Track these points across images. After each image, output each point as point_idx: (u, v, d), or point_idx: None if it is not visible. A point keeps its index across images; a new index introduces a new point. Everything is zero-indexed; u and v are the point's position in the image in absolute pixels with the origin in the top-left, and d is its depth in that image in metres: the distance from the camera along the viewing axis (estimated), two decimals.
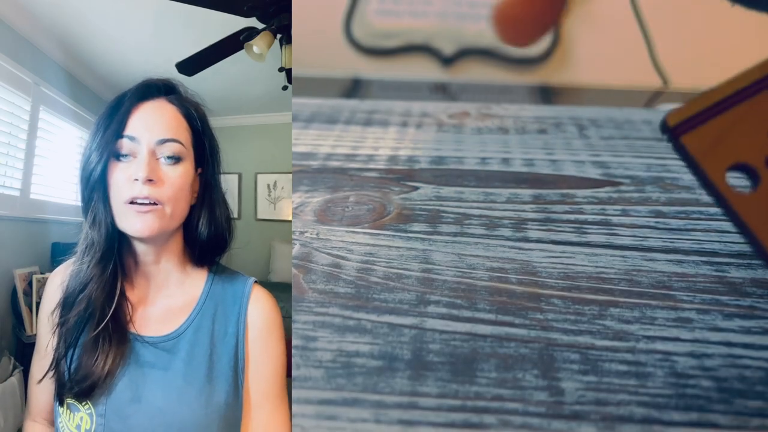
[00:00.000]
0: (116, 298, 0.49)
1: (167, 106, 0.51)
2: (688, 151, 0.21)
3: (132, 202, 0.47)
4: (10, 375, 1.47)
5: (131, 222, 0.47)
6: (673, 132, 0.21)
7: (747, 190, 0.19)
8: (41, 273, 1.84)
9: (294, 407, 0.32)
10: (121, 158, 0.48)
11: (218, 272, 0.54)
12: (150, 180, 0.47)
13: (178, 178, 0.49)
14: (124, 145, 0.48)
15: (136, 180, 0.47)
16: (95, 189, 0.48)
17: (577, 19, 0.85)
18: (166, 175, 0.48)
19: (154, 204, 0.47)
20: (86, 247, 0.49)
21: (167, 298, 0.52)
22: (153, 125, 0.49)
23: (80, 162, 0.50)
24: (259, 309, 0.52)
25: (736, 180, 0.20)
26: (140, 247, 0.50)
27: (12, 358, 1.56)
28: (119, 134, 0.48)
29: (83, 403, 0.48)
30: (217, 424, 0.48)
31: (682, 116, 0.21)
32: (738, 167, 0.20)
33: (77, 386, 0.47)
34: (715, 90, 0.21)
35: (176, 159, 0.49)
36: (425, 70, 0.89)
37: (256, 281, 0.53)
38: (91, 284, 0.48)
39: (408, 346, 0.36)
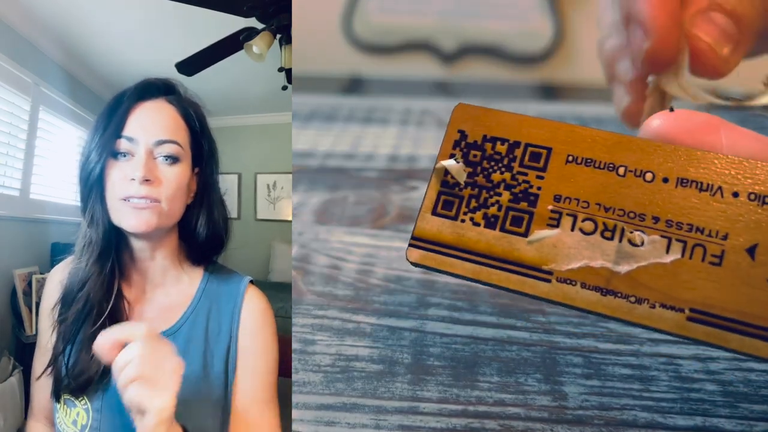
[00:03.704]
0: (114, 295, 0.49)
1: (166, 106, 0.51)
2: None
3: (128, 198, 0.47)
4: (10, 375, 1.46)
5: (127, 218, 0.47)
6: None
7: None
8: (41, 273, 1.83)
9: (293, 412, 0.31)
10: (119, 157, 0.49)
11: (214, 271, 0.54)
12: (147, 180, 0.47)
13: (175, 178, 0.49)
14: (122, 144, 0.48)
15: (133, 180, 0.47)
16: (93, 188, 0.49)
17: (580, 16, 0.85)
18: (163, 175, 0.49)
19: (151, 201, 0.47)
20: (85, 246, 0.50)
21: (163, 295, 0.52)
22: (151, 126, 0.49)
23: (79, 161, 0.50)
24: (252, 309, 0.52)
25: None
26: (137, 244, 0.50)
27: (12, 358, 1.55)
28: (117, 134, 0.48)
29: (80, 399, 0.48)
30: (210, 422, 0.48)
31: None
32: None
33: (74, 381, 0.47)
34: None
35: (173, 159, 0.49)
36: (426, 68, 0.88)
37: (251, 281, 0.53)
38: (90, 282, 0.49)
39: (408, 349, 0.35)
